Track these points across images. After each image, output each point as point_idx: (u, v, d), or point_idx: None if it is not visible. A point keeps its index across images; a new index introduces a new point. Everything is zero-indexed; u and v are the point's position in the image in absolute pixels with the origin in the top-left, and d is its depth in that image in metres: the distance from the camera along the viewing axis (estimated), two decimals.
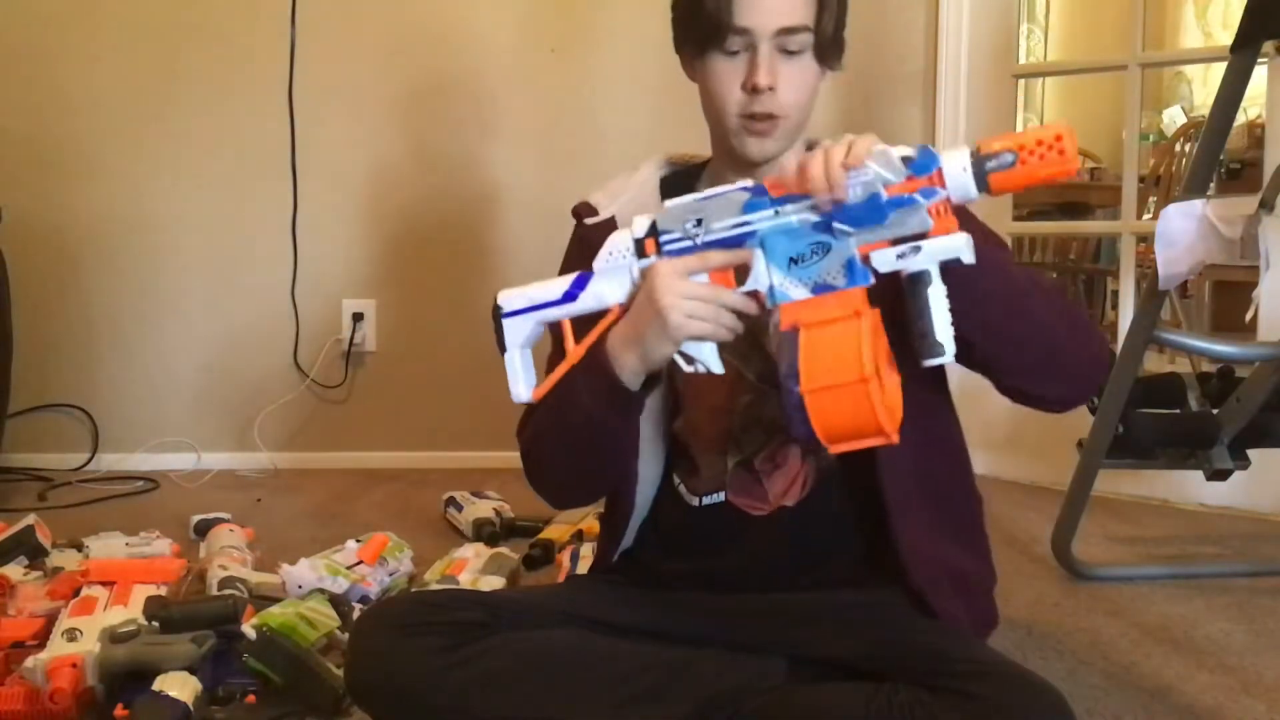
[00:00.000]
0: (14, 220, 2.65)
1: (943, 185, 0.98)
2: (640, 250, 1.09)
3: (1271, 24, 1.90)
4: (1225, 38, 2.02)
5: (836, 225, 1.00)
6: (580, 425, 1.16)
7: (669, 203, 1.09)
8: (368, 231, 3.00)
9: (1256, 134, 3.76)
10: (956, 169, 0.98)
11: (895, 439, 0.97)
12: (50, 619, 1.61)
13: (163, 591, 1.72)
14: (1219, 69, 1.97)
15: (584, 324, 1.14)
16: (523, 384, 1.13)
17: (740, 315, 1.07)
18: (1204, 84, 5.93)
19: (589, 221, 1.31)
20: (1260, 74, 2.19)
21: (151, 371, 2.98)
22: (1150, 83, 5.48)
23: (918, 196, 0.98)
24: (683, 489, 1.29)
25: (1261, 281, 2.01)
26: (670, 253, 1.08)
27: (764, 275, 1.03)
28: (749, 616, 1.22)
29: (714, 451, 1.26)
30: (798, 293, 1.01)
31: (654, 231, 1.09)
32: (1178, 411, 2.08)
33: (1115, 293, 3.45)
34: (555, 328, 1.15)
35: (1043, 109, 6.62)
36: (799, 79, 1.20)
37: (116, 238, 2.95)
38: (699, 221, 1.06)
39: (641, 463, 1.27)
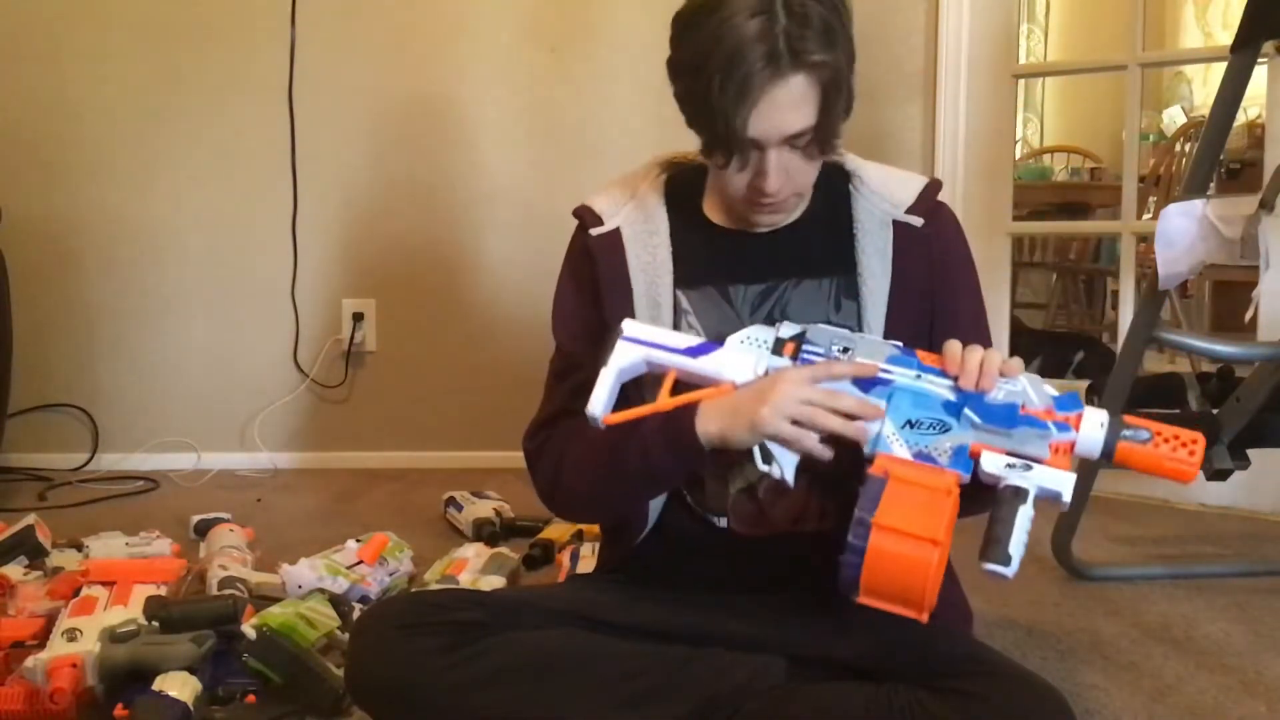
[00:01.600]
0: (14, 220, 2.65)
1: (1076, 429, 1.02)
2: (778, 348, 1.13)
3: (1271, 24, 1.90)
4: (1225, 38, 2.02)
5: (966, 411, 1.04)
6: (636, 468, 1.18)
7: (824, 325, 1.14)
8: (368, 231, 2.99)
9: (1256, 134, 3.77)
10: (1094, 422, 1.03)
11: (924, 618, 0.98)
12: (50, 619, 1.61)
13: (163, 591, 1.72)
14: (1219, 69, 1.97)
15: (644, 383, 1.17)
16: (602, 405, 1.14)
17: (833, 444, 1.08)
18: (1204, 84, 5.92)
19: (594, 233, 1.30)
20: (1260, 74, 2.19)
21: (151, 371, 2.98)
22: (1150, 83, 5.48)
23: (1051, 425, 1.02)
24: (691, 500, 1.29)
25: (1261, 281, 2.01)
26: (806, 361, 1.11)
27: (878, 423, 1.06)
28: (749, 616, 1.22)
29: (716, 475, 1.26)
30: (899, 450, 1.04)
31: (799, 338, 1.12)
32: (1178, 411, 2.08)
33: (1115, 293, 3.45)
34: (657, 372, 1.16)
35: (1043, 109, 6.63)
36: (806, 167, 1.20)
37: (117, 238, 2.95)
38: (846, 349, 1.10)
39: None
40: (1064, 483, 1.00)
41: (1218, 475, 2.04)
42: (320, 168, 2.95)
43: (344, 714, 1.39)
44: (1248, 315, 2.28)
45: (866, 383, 1.08)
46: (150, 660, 1.40)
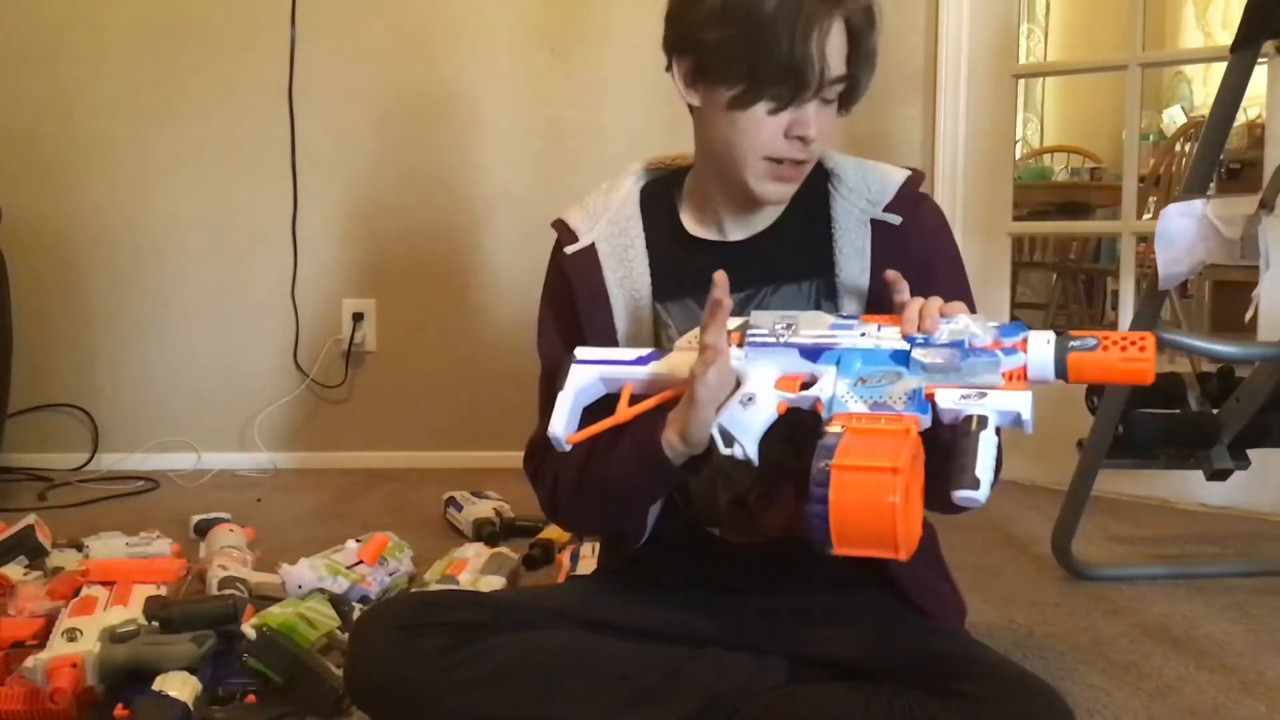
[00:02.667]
0: (14, 220, 2.65)
1: (1024, 352, 1.02)
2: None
3: (1271, 24, 1.90)
4: (1225, 38, 2.02)
5: (914, 355, 1.03)
6: (613, 485, 1.18)
7: (761, 311, 1.13)
8: (368, 231, 2.99)
9: (1256, 134, 3.77)
10: (1040, 341, 1.02)
11: (903, 557, 0.95)
12: (50, 619, 1.61)
13: (163, 591, 1.72)
14: (1219, 69, 1.97)
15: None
16: (562, 426, 1.13)
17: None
18: (1204, 84, 5.93)
19: (568, 250, 1.29)
20: (1260, 74, 2.19)
21: (151, 371, 2.98)
22: (1150, 83, 5.48)
23: (999, 353, 1.02)
24: (686, 508, 1.29)
25: (1261, 281, 2.01)
26: (753, 344, 1.10)
27: (829, 386, 1.05)
28: (749, 616, 1.22)
29: (704, 489, 1.25)
30: (855, 406, 1.03)
31: (742, 327, 1.12)
32: (1178, 411, 2.08)
33: (1115, 293, 3.45)
34: (614, 390, 1.15)
35: (1043, 109, 6.63)
36: (830, 126, 1.19)
37: (116, 238, 2.95)
38: (789, 325, 1.10)
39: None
40: (1021, 401, 0.99)
41: (1218, 475, 2.04)
42: (320, 168, 2.95)
43: (344, 714, 1.39)
44: (1248, 315, 2.28)
45: (814, 351, 1.08)
46: (150, 660, 1.40)
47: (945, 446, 0.97)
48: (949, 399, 1.01)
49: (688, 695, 1.12)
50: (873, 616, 1.22)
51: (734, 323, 1.12)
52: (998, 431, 0.99)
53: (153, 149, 2.93)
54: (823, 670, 1.15)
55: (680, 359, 1.12)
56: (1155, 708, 1.49)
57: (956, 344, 1.03)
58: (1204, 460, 2.02)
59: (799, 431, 1.09)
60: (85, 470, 2.92)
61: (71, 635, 1.47)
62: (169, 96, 2.92)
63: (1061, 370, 1.00)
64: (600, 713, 1.11)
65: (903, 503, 0.93)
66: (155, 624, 1.48)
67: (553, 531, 2.16)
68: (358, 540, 1.93)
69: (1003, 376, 1.01)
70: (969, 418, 0.99)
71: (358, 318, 3.00)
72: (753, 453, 1.06)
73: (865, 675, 1.12)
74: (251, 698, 1.40)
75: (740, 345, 1.10)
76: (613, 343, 1.24)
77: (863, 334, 1.07)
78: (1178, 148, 4.20)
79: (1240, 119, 3.57)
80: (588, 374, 1.15)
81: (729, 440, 1.06)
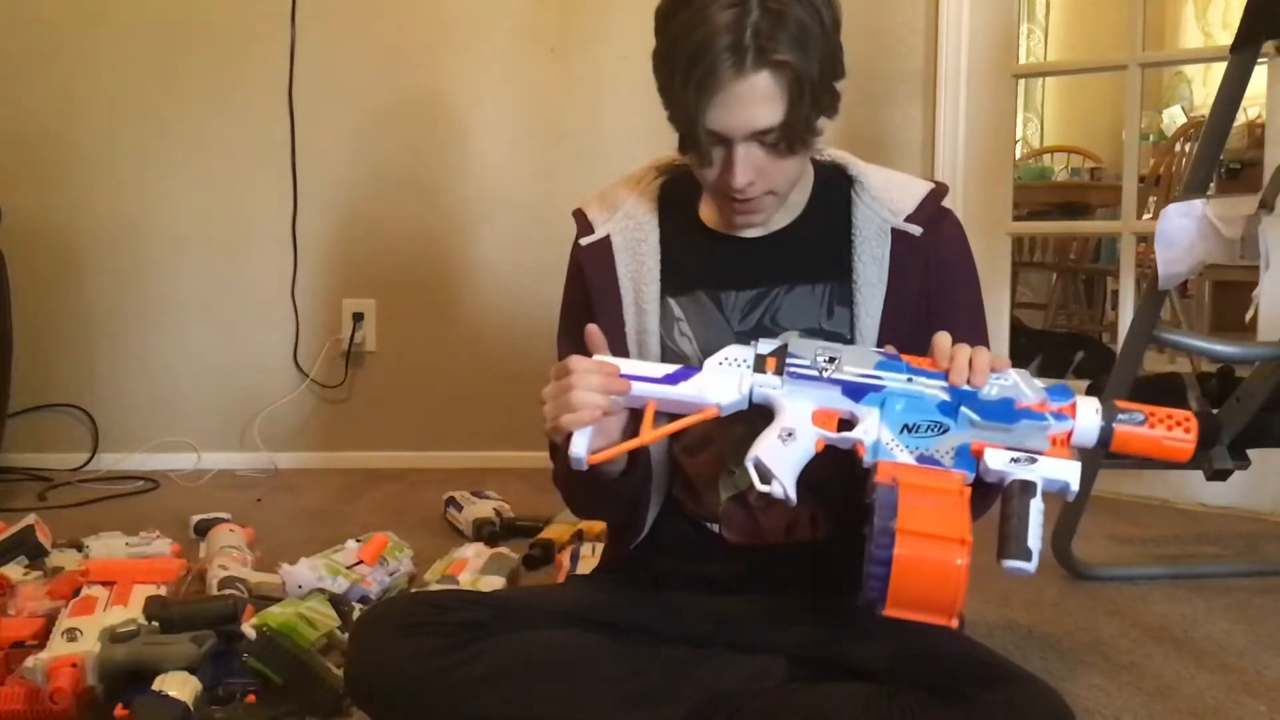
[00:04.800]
0: (14, 220, 2.65)
1: (1072, 418, 1.02)
2: (760, 365, 1.09)
3: (1271, 24, 1.90)
4: (1225, 38, 2.02)
5: (964, 410, 1.03)
6: (578, 484, 1.21)
7: (802, 339, 1.10)
8: (368, 231, 2.99)
9: (1256, 134, 3.77)
10: (1089, 410, 1.02)
11: (954, 624, 0.96)
12: (50, 619, 1.61)
13: (163, 591, 1.72)
14: (1219, 69, 1.97)
15: None
16: (583, 448, 1.10)
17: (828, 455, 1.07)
18: (1204, 84, 5.93)
19: (583, 242, 1.30)
20: (1260, 74, 2.19)
21: (151, 371, 2.98)
22: (1150, 83, 5.48)
23: (1049, 417, 1.02)
24: (688, 505, 1.29)
25: (1261, 281, 2.01)
26: (793, 374, 1.08)
27: (874, 430, 1.04)
28: (749, 616, 1.22)
29: (708, 480, 1.26)
30: (902, 456, 1.02)
31: (780, 352, 1.09)
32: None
33: (1115, 293, 3.45)
34: (637, 406, 1.13)
35: (1043, 109, 6.63)
36: (782, 166, 1.17)
37: (116, 238, 2.95)
38: (832, 359, 1.08)
39: (652, 486, 1.27)
40: (1070, 472, 0.99)
41: (1218, 475, 2.04)
42: (320, 168, 2.95)
43: (344, 714, 1.39)
44: (1248, 315, 2.28)
45: (857, 390, 1.06)
46: (150, 660, 1.40)
47: (982, 503, 0.98)
48: (999, 460, 1.00)
49: (688, 695, 1.12)
50: (873, 617, 1.22)
51: (768, 346, 1.09)
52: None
53: (153, 149, 2.93)
54: (823, 670, 1.15)
55: (713, 382, 1.09)
56: (1155, 708, 1.49)
57: (1006, 401, 1.02)
58: (1204, 460, 2.02)
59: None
60: (85, 470, 2.92)
61: (71, 635, 1.47)
62: (169, 96, 2.92)
63: (1107, 441, 1.02)
64: (600, 713, 1.11)
65: (965, 573, 0.93)
66: (155, 624, 1.48)
67: (553, 531, 2.16)
68: (358, 540, 1.93)
69: (1049, 440, 1.01)
70: (1017, 482, 0.99)
71: (358, 318, 3.00)
72: (791, 491, 1.05)
73: (865, 675, 1.12)
74: (251, 698, 1.40)
75: (778, 373, 1.08)
76: (620, 334, 1.24)
77: (910, 379, 1.05)
78: (1178, 148, 4.20)
79: (1240, 119, 3.57)
80: None
81: (766, 477, 1.04)
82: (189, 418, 2.97)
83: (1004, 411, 1.02)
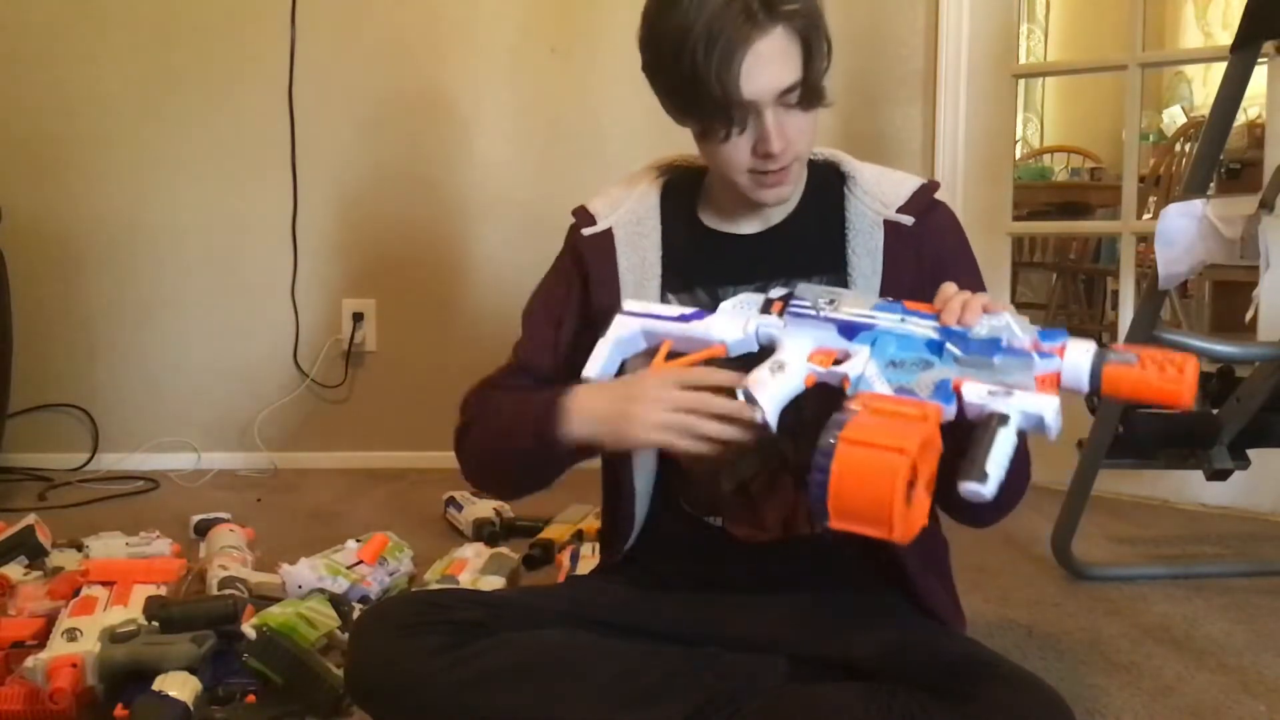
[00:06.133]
0: (14, 220, 2.65)
1: (1060, 358, 1.00)
2: (766, 308, 1.13)
3: (1271, 24, 1.90)
4: (1225, 38, 2.02)
5: (948, 347, 1.03)
6: (515, 447, 1.21)
7: (808, 284, 1.14)
8: (368, 231, 2.99)
9: (1256, 134, 3.77)
10: (1079, 349, 1.00)
11: (898, 538, 0.94)
12: (50, 619, 1.61)
13: (163, 591, 1.72)
14: (1219, 69, 1.97)
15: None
16: (597, 371, 1.16)
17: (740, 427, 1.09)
18: (1204, 84, 5.93)
19: (586, 232, 1.31)
20: (1260, 74, 2.19)
21: (151, 371, 2.98)
22: (1150, 83, 5.48)
23: (1034, 355, 1.00)
24: (681, 501, 1.29)
25: (1261, 281, 2.01)
26: (793, 314, 1.11)
27: (860, 365, 1.05)
28: (749, 617, 1.22)
29: (706, 474, 1.26)
30: (881, 388, 1.03)
31: (787, 297, 1.13)
32: (1178, 411, 2.08)
33: (1115, 293, 3.45)
34: (654, 343, 1.18)
35: (1042, 109, 6.63)
36: (804, 126, 1.20)
37: (116, 238, 2.95)
38: (832, 300, 1.10)
39: (636, 476, 1.27)
40: (1046, 405, 0.98)
41: (1218, 475, 2.04)
42: (320, 167, 2.95)
43: (344, 714, 1.39)
44: (1248, 315, 2.28)
45: (852, 328, 1.08)
46: (150, 660, 1.40)
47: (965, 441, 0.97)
48: (975, 393, 1.00)
49: (688, 695, 1.12)
50: (873, 616, 1.22)
51: (778, 292, 1.14)
52: (1022, 435, 0.98)
53: (153, 148, 2.93)
54: (823, 670, 1.15)
55: (722, 322, 1.14)
56: (1155, 708, 1.49)
57: (994, 340, 1.02)
58: (1204, 460, 2.03)
59: (802, 425, 1.10)
60: (85, 470, 2.92)
61: (71, 635, 1.47)
62: (169, 96, 2.92)
63: (1096, 382, 0.99)
64: (600, 713, 1.11)
65: (903, 485, 0.91)
66: (155, 624, 1.48)
67: (553, 531, 2.16)
68: (358, 540, 1.93)
69: (1035, 380, 1.00)
70: (991, 414, 0.98)
71: (358, 318, 3.00)
72: (772, 419, 1.06)
73: (865, 675, 1.12)
74: (251, 698, 1.40)
75: (781, 314, 1.11)
76: None
77: (903, 319, 1.06)
78: (1178, 148, 4.20)
79: (1240, 119, 3.57)
80: (631, 325, 1.17)
81: (750, 400, 1.07)
82: (189, 418, 2.97)
83: (988, 347, 1.02)
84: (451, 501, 2.41)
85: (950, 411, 1.00)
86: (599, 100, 2.92)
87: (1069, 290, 4.91)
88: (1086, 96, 6.15)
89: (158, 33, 2.91)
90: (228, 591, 1.71)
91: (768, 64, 1.14)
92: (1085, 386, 1.00)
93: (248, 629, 1.47)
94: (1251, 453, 2.04)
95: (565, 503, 2.27)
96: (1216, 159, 2.08)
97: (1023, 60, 5.04)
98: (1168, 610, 1.88)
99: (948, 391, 1.01)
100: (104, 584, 1.71)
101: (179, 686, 1.35)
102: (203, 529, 2.16)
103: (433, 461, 2.93)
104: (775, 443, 1.21)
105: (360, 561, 1.86)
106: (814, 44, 1.17)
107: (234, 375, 2.99)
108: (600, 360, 1.16)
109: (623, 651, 1.17)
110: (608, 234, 1.29)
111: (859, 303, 1.09)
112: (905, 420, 0.96)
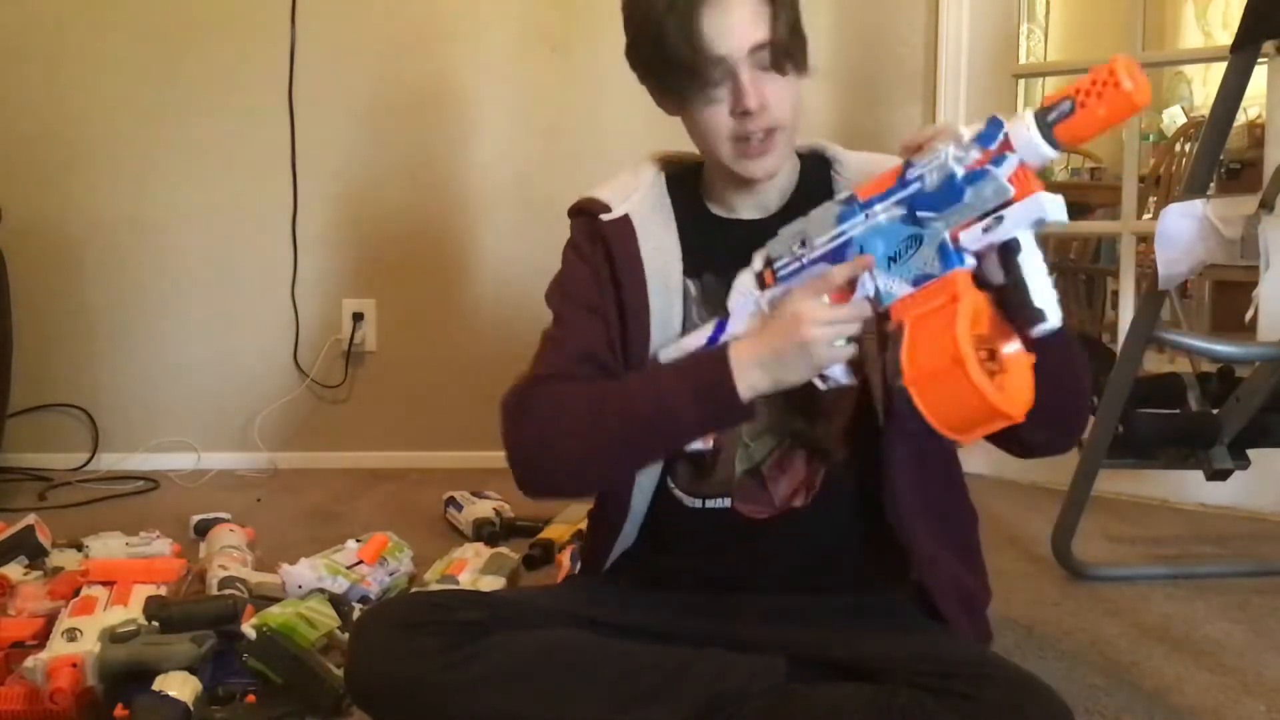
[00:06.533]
0: (14, 220, 2.65)
1: (1011, 150, 0.97)
2: (761, 282, 1.15)
3: (1271, 24, 1.90)
4: (1225, 38, 2.02)
5: (920, 214, 1.01)
6: (657, 425, 1.17)
7: (781, 230, 1.14)
8: (368, 231, 2.99)
9: (1256, 134, 3.77)
10: (1022, 130, 0.97)
11: (1018, 417, 0.94)
12: (50, 619, 1.61)
13: (163, 591, 1.72)
14: (1219, 69, 1.97)
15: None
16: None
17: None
18: (1204, 84, 5.93)
19: (605, 218, 1.30)
20: (1260, 74, 2.19)
21: (151, 371, 2.98)
22: (1150, 83, 5.48)
23: (989, 166, 0.97)
24: (678, 493, 1.28)
25: (1261, 281, 2.01)
26: (783, 276, 1.12)
27: (869, 280, 1.05)
28: (750, 616, 1.22)
29: (724, 455, 1.26)
30: (901, 289, 1.02)
31: (768, 263, 1.13)
32: (1178, 411, 2.08)
33: (1115, 293, 3.45)
34: None
35: None
36: (783, 88, 1.20)
37: (116, 238, 2.95)
38: (802, 242, 1.10)
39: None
40: (1037, 205, 0.96)
41: (1218, 475, 2.04)
42: (320, 167, 2.95)
43: (344, 714, 1.39)
44: (1248, 315, 2.28)
45: (837, 254, 1.08)
46: (150, 660, 1.40)
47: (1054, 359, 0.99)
48: (974, 238, 0.98)
49: (688, 695, 1.12)
50: (874, 616, 1.22)
51: (759, 263, 1.14)
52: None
53: (153, 149, 2.93)
54: (823, 670, 1.15)
55: (738, 323, 1.16)
56: (1155, 708, 1.49)
57: (949, 180, 0.99)
58: (1204, 460, 2.03)
59: (810, 400, 1.12)
60: (85, 470, 2.92)
61: (71, 635, 1.47)
62: (169, 96, 2.92)
63: (1057, 146, 0.96)
64: (600, 713, 1.11)
65: (979, 373, 0.92)
66: (155, 624, 1.48)
67: (553, 531, 2.16)
68: (358, 540, 1.93)
69: (1010, 183, 0.97)
70: (998, 251, 0.96)
71: (358, 318, 3.00)
72: (848, 379, 1.10)
73: (866, 676, 1.12)
74: (251, 698, 1.40)
75: (775, 281, 1.13)
76: (644, 310, 1.25)
77: (865, 215, 1.06)
78: (1178, 148, 4.19)
79: (1240, 119, 3.57)
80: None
81: (824, 378, 1.09)
82: (189, 418, 2.97)
83: (949, 191, 0.99)
84: (451, 501, 2.41)
85: (971, 262, 0.99)
86: (599, 99, 2.92)
87: (1069, 290, 4.91)
88: None
89: (158, 33, 2.91)
90: (228, 591, 1.71)
91: (734, 19, 1.16)
92: (1052, 155, 0.97)
93: (248, 629, 1.47)
94: (1251, 453, 2.04)
95: (564, 503, 2.27)
96: (1216, 159, 2.08)
97: (1023, 60, 5.03)
98: (1168, 610, 1.88)
99: (951, 252, 0.99)
100: (104, 584, 1.71)
101: (179, 686, 1.34)
102: (203, 529, 2.16)
103: (433, 461, 2.93)
104: (788, 421, 1.23)
105: (360, 561, 1.86)
106: (780, 3, 1.19)
107: (234, 375, 2.99)
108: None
109: (623, 652, 1.17)
110: (626, 220, 1.29)
111: (823, 225, 1.09)
112: (941, 316, 0.96)
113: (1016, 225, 0.96)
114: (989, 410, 0.93)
